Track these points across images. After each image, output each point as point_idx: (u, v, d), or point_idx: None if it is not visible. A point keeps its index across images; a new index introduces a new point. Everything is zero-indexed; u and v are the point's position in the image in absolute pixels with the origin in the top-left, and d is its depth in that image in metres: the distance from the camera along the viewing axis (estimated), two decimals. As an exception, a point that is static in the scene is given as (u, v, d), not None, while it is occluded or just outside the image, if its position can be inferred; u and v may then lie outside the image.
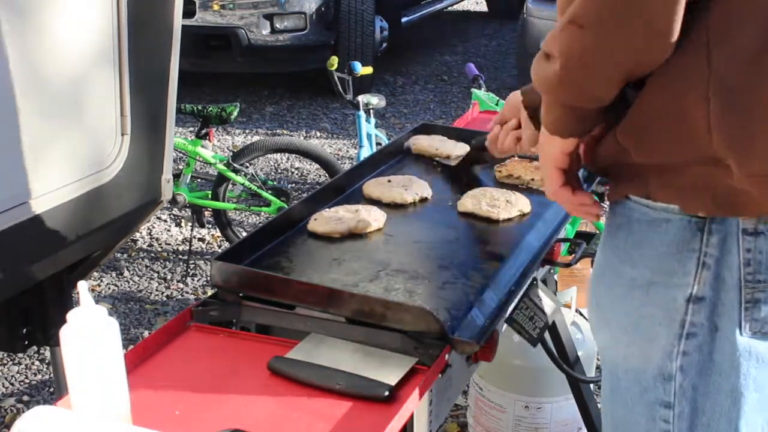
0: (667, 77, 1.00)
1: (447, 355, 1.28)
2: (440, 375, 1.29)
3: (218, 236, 4.11)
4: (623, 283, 1.14)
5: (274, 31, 5.81)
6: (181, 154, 4.10)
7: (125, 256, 3.97)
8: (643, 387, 1.14)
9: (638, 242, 1.12)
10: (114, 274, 3.80)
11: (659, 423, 1.14)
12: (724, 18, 0.97)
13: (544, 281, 1.91)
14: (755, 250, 1.04)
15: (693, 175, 1.03)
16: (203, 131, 3.79)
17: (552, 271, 2.03)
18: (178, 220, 4.36)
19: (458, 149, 2.06)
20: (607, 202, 1.22)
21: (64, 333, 1.05)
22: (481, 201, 1.76)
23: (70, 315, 1.06)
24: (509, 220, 1.74)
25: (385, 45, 6.65)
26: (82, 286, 1.07)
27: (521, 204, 1.77)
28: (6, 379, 3.04)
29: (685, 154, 1.02)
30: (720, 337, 1.07)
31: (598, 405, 2.60)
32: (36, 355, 3.15)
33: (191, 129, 5.26)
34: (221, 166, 3.78)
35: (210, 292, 1.49)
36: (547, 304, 1.82)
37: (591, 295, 1.23)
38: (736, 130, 0.97)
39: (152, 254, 4.02)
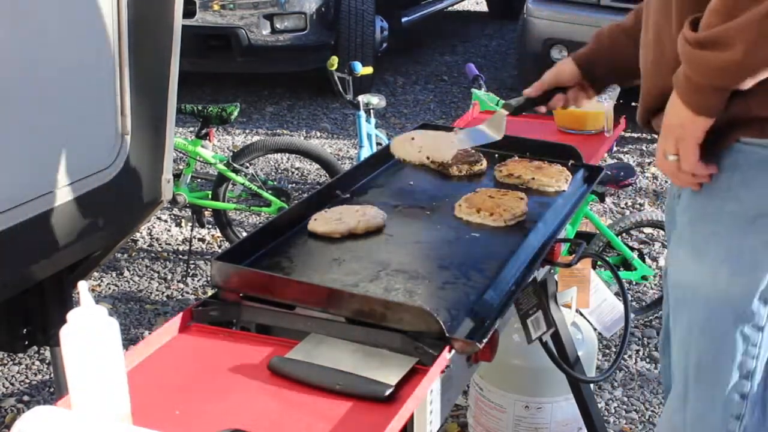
0: None
1: (447, 355, 1.28)
2: (440, 375, 1.29)
3: (218, 236, 4.11)
4: (725, 221, 1.26)
5: (274, 31, 5.81)
6: (181, 154, 4.10)
7: (125, 256, 3.97)
8: (738, 314, 1.26)
9: (746, 180, 1.25)
10: (114, 274, 3.80)
11: (751, 348, 1.26)
12: None
13: (544, 281, 1.91)
14: None
15: None
16: (203, 131, 3.79)
17: (552, 271, 2.03)
18: (179, 220, 4.36)
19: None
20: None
21: (64, 333, 1.05)
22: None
23: (70, 315, 1.06)
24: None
25: (385, 45, 6.65)
26: (83, 286, 1.07)
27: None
28: (6, 379, 3.04)
29: None
30: None
31: (599, 405, 2.61)
32: (36, 355, 3.15)
33: (191, 129, 5.26)
34: (221, 166, 3.78)
35: (210, 292, 1.49)
36: (558, 317, 1.83)
37: (682, 238, 1.35)
38: None
39: (152, 254, 4.02)
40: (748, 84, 1.17)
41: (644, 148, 5.31)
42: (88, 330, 1.05)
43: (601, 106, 2.33)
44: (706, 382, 1.37)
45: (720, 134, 1.26)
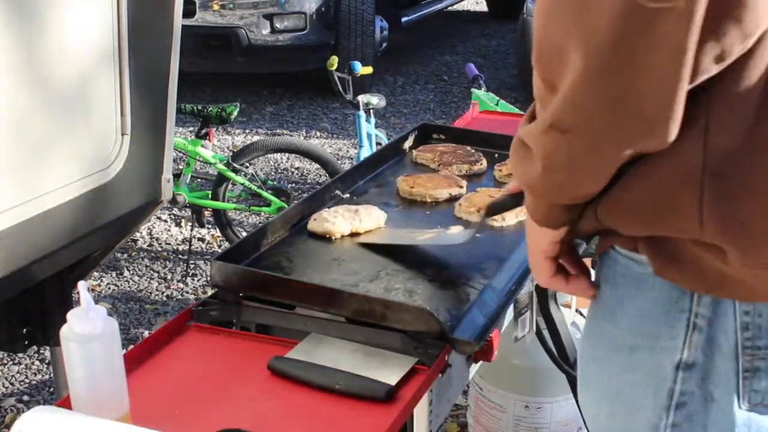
0: (659, 166, 0.87)
1: (447, 355, 1.28)
2: (440, 375, 1.29)
3: (218, 236, 4.11)
4: (605, 345, 1.02)
5: (274, 31, 5.81)
6: (181, 154, 4.10)
7: (125, 256, 3.97)
8: None
9: (621, 299, 1.00)
10: (114, 274, 3.80)
11: None
12: (724, 96, 0.84)
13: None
14: (754, 313, 0.91)
15: (684, 252, 0.92)
16: (203, 131, 3.79)
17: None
18: (178, 220, 4.36)
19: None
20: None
21: (64, 333, 1.05)
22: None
23: (70, 315, 1.06)
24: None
25: (385, 45, 6.65)
26: (82, 286, 1.07)
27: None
28: (6, 379, 3.04)
29: (677, 233, 0.91)
30: (715, 408, 0.94)
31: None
32: (36, 355, 3.15)
33: (191, 129, 5.26)
34: (221, 166, 3.78)
35: (210, 292, 1.49)
36: (559, 319, 1.83)
37: (578, 355, 1.12)
38: (728, 218, 0.87)
39: (152, 254, 4.02)
40: (579, 200, 0.95)
41: (644, 148, 5.31)
42: (87, 330, 1.05)
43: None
44: None
45: (599, 237, 1.04)
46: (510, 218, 1.73)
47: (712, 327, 0.93)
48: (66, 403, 1.12)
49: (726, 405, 0.94)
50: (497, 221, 1.71)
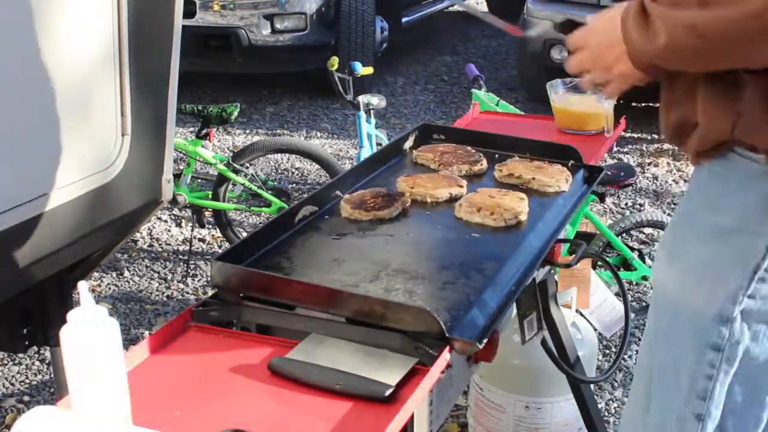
0: None
1: (447, 356, 1.28)
2: (440, 375, 1.29)
3: (218, 236, 4.11)
4: (706, 229, 1.21)
5: (274, 31, 5.81)
6: (181, 155, 4.10)
7: (125, 256, 3.97)
8: (699, 328, 1.20)
9: (732, 191, 1.20)
10: (114, 274, 3.80)
11: (704, 366, 1.19)
12: None
13: (544, 282, 1.91)
14: None
15: None
16: (203, 131, 3.79)
17: (552, 271, 2.03)
18: (179, 221, 4.36)
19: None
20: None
21: (64, 333, 1.05)
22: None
23: (70, 315, 1.06)
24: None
25: (385, 45, 6.65)
26: (83, 286, 1.07)
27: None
28: (6, 379, 3.04)
29: None
30: None
31: (599, 405, 2.61)
32: (36, 355, 3.15)
33: (191, 129, 5.26)
34: (221, 167, 3.78)
35: (210, 292, 1.49)
36: (559, 319, 1.83)
37: (664, 240, 1.31)
38: None
39: (152, 254, 4.02)
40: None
41: (644, 148, 5.31)
42: (88, 330, 1.05)
43: (601, 107, 2.33)
44: (665, 391, 1.32)
45: (715, 142, 1.23)
46: (507, 219, 1.72)
47: None
48: (66, 403, 1.12)
49: None
50: (497, 220, 1.71)
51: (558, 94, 2.42)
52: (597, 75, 1.32)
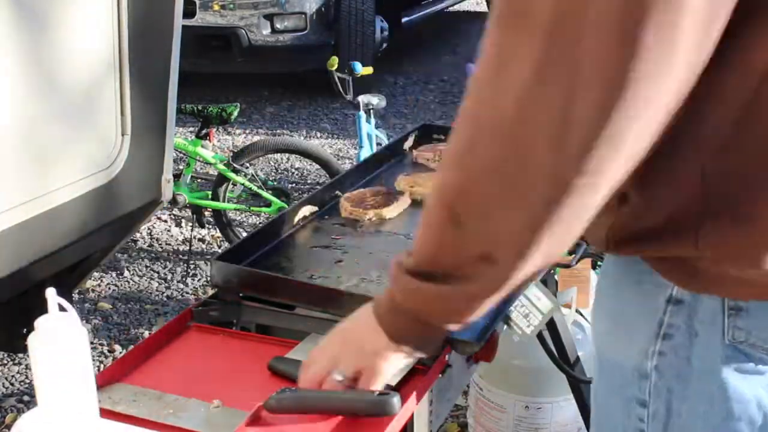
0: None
1: (447, 355, 1.28)
2: (440, 375, 1.29)
3: (218, 236, 4.11)
4: (619, 271, 1.13)
5: (274, 31, 5.81)
6: (181, 155, 4.10)
7: (125, 256, 3.97)
8: (623, 380, 1.13)
9: None
10: (114, 274, 3.80)
11: (634, 420, 1.12)
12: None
13: (544, 281, 1.91)
14: None
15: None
16: (203, 131, 3.79)
17: (552, 271, 2.03)
18: (179, 221, 4.36)
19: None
20: None
21: (31, 340, 1.02)
22: None
23: (38, 323, 1.02)
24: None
25: (385, 45, 6.65)
26: (50, 293, 1.04)
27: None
28: (6, 379, 3.04)
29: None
30: (699, 342, 1.03)
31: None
32: (36, 355, 3.14)
33: (191, 129, 5.26)
34: (221, 167, 3.78)
35: (210, 292, 1.49)
36: (544, 303, 1.81)
37: (599, 278, 1.23)
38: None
39: (152, 254, 4.02)
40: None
41: (644, 148, 5.31)
42: (54, 337, 1.01)
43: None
44: None
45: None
46: None
47: None
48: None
49: (710, 339, 1.02)
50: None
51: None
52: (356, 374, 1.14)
